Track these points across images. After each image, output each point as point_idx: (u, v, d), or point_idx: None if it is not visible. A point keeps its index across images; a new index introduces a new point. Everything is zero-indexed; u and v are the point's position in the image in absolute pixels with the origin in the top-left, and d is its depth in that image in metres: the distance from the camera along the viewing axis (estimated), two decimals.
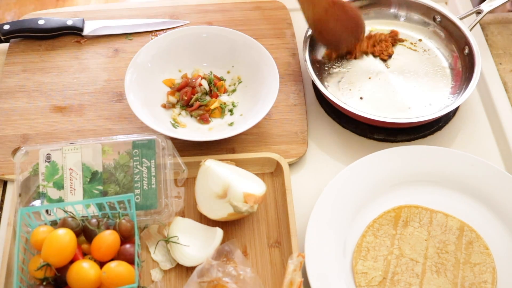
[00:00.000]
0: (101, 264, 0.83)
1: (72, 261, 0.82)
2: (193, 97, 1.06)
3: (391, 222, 0.94)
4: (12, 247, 0.89)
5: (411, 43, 1.17)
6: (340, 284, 0.88)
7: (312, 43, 1.12)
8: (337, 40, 1.11)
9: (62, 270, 0.81)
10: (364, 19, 1.12)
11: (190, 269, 0.89)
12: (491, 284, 0.88)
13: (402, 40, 1.17)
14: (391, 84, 1.11)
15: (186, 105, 1.06)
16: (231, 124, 1.04)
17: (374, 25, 1.19)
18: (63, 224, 0.85)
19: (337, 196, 0.95)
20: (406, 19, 1.19)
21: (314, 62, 1.11)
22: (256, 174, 0.95)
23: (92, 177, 0.92)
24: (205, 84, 1.07)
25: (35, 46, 1.17)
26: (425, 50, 1.16)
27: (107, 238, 0.84)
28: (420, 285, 0.88)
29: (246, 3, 1.25)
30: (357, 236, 0.93)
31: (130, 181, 0.91)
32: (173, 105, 1.07)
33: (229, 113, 1.06)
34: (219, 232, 0.90)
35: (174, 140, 0.96)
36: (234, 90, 1.09)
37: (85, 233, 0.86)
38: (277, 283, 0.89)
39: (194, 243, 0.90)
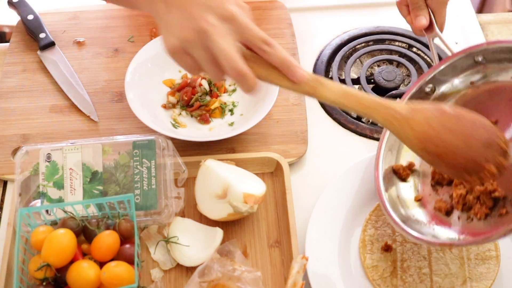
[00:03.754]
0: (101, 264, 0.83)
1: (72, 261, 0.82)
2: (193, 97, 1.06)
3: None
4: (12, 247, 0.89)
5: None
6: (340, 284, 0.88)
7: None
8: (467, 160, 0.74)
9: (62, 270, 0.81)
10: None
11: (190, 269, 0.89)
12: (495, 251, 0.90)
13: None
14: None
15: (186, 105, 1.06)
16: (231, 124, 1.04)
17: None
18: (63, 224, 0.85)
19: (338, 196, 0.95)
20: None
21: None
22: (256, 174, 0.95)
23: (92, 177, 0.92)
24: (205, 84, 1.07)
25: (35, 46, 1.17)
26: None
27: (107, 238, 0.84)
28: (429, 267, 0.89)
29: (246, 3, 1.24)
30: (358, 236, 0.93)
31: (130, 181, 0.91)
32: (173, 106, 1.07)
33: (229, 113, 1.06)
34: (219, 232, 0.90)
35: (174, 140, 0.96)
36: (234, 90, 1.09)
37: (85, 233, 0.86)
38: (277, 283, 0.89)
39: (194, 243, 0.90)
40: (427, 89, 0.93)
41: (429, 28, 0.97)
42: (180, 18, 0.71)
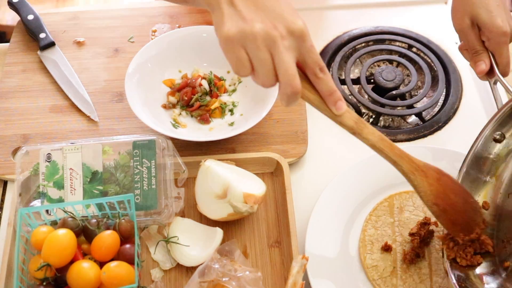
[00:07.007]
0: (101, 264, 0.83)
1: (72, 261, 0.82)
2: (193, 97, 1.06)
3: (386, 212, 0.95)
4: (12, 247, 0.89)
5: None
6: (340, 284, 0.88)
7: None
8: (465, 220, 0.84)
9: (62, 270, 0.82)
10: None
11: (190, 269, 0.89)
12: None
13: None
14: None
15: (187, 105, 1.06)
16: (231, 124, 1.04)
17: None
18: (63, 224, 0.85)
19: (338, 196, 0.95)
20: None
21: None
22: (256, 174, 0.95)
23: (92, 177, 0.92)
24: (205, 84, 1.07)
25: (35, 46, 1.17)
26: None
27: (107, 238, 0.84)
28: (429, 267, 0.89)
29: None
30: (358, 236, 0.93)
31: (130, 181, 0.91)
32: (173, 106, 1.07)
33: (229, 113, 1.06)
34: (219, 232, 0.90)
35: (174, 140, 0.96)
36: (234, 90, 1.09)
37: (85, 233, 0.87)
38: (277, 283, 0.90)
39: (194, 243, 0.90)
40: (497, 136, 0.88)
41: (490, 71, 0.93)
42: (249, 12, 0.68)
